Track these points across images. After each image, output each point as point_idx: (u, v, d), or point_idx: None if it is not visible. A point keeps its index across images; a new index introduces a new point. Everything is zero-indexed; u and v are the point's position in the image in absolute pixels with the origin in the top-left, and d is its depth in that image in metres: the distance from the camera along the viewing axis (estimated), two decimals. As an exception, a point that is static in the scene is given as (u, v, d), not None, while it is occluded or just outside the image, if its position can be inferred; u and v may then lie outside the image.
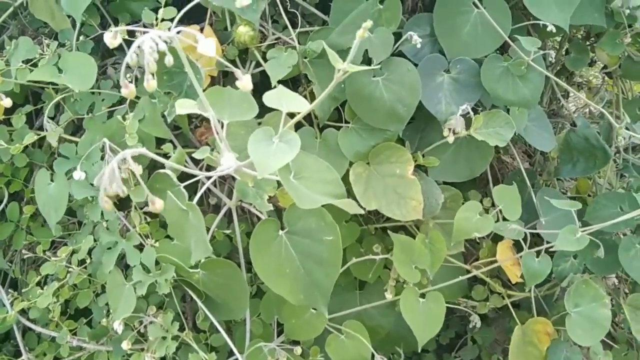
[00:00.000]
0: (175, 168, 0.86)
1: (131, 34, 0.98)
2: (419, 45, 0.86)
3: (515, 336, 1.06)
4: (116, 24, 1.01)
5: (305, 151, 0.91)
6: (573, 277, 1.10)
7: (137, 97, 0.96)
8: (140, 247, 0.87)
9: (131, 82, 0.99)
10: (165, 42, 0.51)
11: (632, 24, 1.06)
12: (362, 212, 0.74)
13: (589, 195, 1.38)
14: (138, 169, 0.89)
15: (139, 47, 0.50)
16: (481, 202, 1.07)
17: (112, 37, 0.51)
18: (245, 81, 0.55)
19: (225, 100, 0.73)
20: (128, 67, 0.52)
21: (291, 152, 0.59)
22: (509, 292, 1.13)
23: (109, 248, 0.91)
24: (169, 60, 0.52)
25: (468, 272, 1.07)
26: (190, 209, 0.74)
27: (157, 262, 0.85)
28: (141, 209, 0.90)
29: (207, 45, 0.50)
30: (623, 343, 1.33)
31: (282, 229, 0.81)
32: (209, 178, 0.84)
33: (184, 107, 0.64)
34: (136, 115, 0.90)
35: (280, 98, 0.65)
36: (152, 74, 0.52)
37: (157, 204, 0.56)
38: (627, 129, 1.11)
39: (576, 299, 1.03)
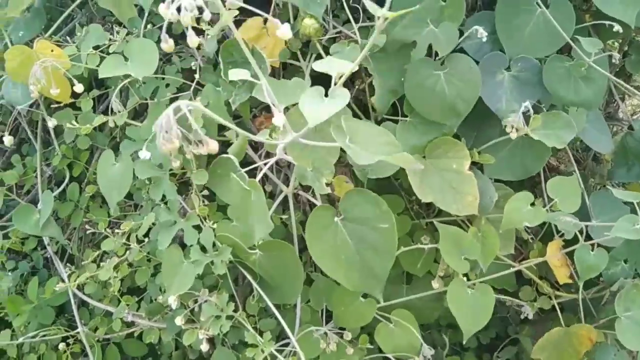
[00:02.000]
0: (235, 153, 0.90)
1: (197, 22, 1.02)
2: (484, 39, 0.87)
3: (555, 332, 1.05)
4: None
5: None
6: (623, 281, 1.09)
7: (201, 85, 0.99)
8: (198, 229, 0.90)
9: (195, 71, 1.03)
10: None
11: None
12: (421, 166, 0.73)
13: (640, 203, 1.36)
14: (203, 150, 0.93)
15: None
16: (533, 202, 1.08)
17: (165, 7, 0.54)
18: (284, 29, 0.57)
19: (281, 89, 0.75)
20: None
21: (340, 103, 0.61)
22: (557, 293, 1.13)
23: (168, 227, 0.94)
24: (206, 15, 0.54)
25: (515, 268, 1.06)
26: (253, 188, 0.76)
27: (213, 244, 0.88)
28: (200, 192, 0.92)
29: (284, 29, 0.52)
30: (667, 354, 1.30)
31: (338, 215, 0.82)
32: (266, 164, 0.86)
33: (237, 74, 0.66)
34: (202, 101, 0.93)
35: (329, 64, 0.67)
36: (199, 29, 0.55)
37: (211, 145, 0.58)
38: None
39: (627, 303, 1.02)
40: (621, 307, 1.01)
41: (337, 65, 0.65)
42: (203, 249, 0.87)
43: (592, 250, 0.97)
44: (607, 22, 0.92)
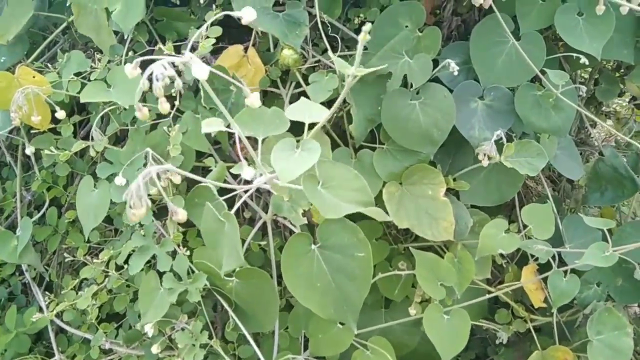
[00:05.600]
0: (213, 183, 0.91)
1: (178, 50, 1.03)
2: (456, 73, 0.89)
3: (533, 357, 1.06)
4: (163, 41, 1.06)
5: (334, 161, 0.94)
6: (596, 304, 1.11)
7: (181, 112, 1.00)
8: (174, 255, 0.90)
9: (175, 97, 1.04)
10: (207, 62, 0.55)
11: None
12: (389, 218, 0.76)
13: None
14: (177, 179, 0.93)
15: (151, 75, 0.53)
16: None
17: (133, 68, 0.55)
18: (253, 98, 0.59)
19: (260, 118, 0.76)
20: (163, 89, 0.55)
21: (311, 159, 0.62)
22: (532, 316, 1.14)
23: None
24: (178, 83, 0.55)
25: (490, 293, 1.08)
26: (227, 219, 0.77)
27: (192, 271, 0.88)
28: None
29: (200, 69, 0.53)
30: (643, 374, 1.33)
31: (315, 243, 0.84)
32: (246, 192, 0.87)
33: (211, 125, 0.67)
34: (181, 128, 0.94)
35: (302, 110, 0.69)
36: (170, 97, 0.55)
37: (179, 215, 0.58)
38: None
39: (598, 326, 1.03)
40: (593, 331, 1.03)
41: (311, 112, 0.66)
42: (179, 276, 0.88)
43: (565, 276, 0.99)
44: (574, 54, 0.95)
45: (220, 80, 0.95)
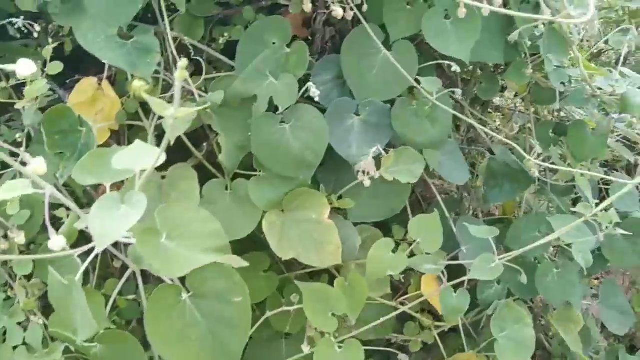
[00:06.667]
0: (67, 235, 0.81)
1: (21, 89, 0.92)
2: (317, 99, 0.85)
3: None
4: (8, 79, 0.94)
5: (190, 204, 0.87)
6: (498, 303, 1.11)
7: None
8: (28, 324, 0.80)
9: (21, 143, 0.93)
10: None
11: (535, 53, 1.09)
12: (246, 264, 0.71)
13: (514, 217, 1.41)
14: (22, 239, 0.82)
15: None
16: (406, 234, 1.07)
17: None
18: (36, 165, 0.51)
19: (108, 161, 0.68)
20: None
21: (135, 215, 0.55)
22: (438, 323, 1.13)
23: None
24: None
25: (396, 309, 1.05)
26: (71, 284, 0.68)
27: (52, 339, 0.79)
28: (28, 281, 0.83)
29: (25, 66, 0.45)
30: (558, 357, 1.37)
31: (186, 292, 0.76)
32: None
33: (14, 190, 0.57)
34: (23, 180, 0.83)
35: (132, 156, 0.61)
36: None
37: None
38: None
39: (501, 323, 1.04)
40: (497, 329, 1.03)
41: (141, 158, 0.58)
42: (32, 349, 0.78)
43: (456, 291, 0.97)
44: (446, 62, 0.93)
45: (67, 121, 0.85)
